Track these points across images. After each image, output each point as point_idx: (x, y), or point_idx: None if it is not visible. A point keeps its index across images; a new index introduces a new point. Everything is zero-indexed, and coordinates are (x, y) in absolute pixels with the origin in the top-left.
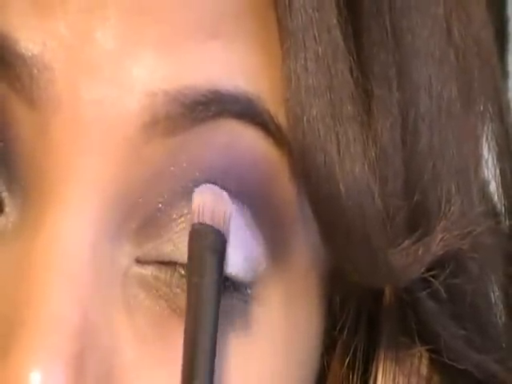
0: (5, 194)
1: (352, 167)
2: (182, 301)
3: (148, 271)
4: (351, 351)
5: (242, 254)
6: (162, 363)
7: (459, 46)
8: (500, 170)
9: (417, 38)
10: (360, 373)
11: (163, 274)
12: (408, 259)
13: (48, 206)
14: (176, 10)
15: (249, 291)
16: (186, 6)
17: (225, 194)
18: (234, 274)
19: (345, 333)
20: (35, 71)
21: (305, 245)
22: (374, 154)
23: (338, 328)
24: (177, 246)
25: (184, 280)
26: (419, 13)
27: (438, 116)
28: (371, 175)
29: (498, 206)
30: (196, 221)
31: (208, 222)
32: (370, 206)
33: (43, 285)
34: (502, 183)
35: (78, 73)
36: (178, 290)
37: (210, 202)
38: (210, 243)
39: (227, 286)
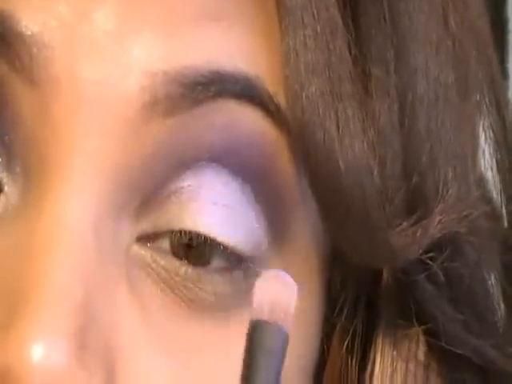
0: (4, 174)
1: (351, 144)
2: (183, 288)
3: (147, 253)
4: (350, 336)
5: (240, 228)
6: (163, 347)
7: (456, 34)
8: (496, 159)
9: (414, 22)
10: (359, 358)
11: (161, 259)
12: (406, 240)
13: (49, 185)
14: None
15: (251, 265)
16: None
17: (291, 282)
18: (236, 247)
19: (343, 317)
20: (35, 50)
21: (305, 226)
22: (372, 133)
23: (336, 312)
24: (176, 213)
25: (183, 267)
26: None
27: (435, 100)
28: (370, 154)
29: (494, 194)
30: (255, 317)
31: (267, 317)
32: (370, 183)
33: (46, 261)
34: (498, 172)
35: (78, 52)
36: (178, 278)
37: (271, 293)
38: (267, 344)
39: (221, 253)
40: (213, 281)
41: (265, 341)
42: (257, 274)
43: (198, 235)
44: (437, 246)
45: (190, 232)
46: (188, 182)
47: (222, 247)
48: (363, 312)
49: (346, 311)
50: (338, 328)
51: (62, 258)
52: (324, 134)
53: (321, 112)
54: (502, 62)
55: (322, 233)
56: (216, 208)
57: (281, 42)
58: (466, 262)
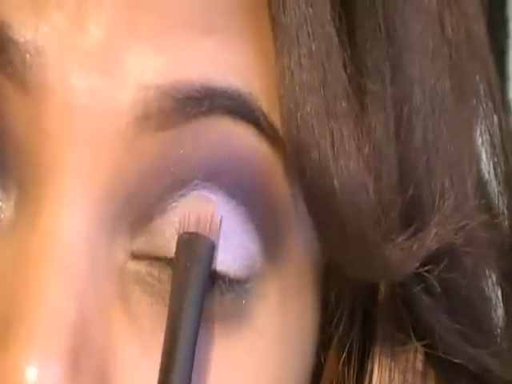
0: None
1: (346, 163)
2: None
3: (142, 267)
4: (347, 347)
5: (237, 252)
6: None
7: (452, 40)
8: (494, 164)
9: (410, 33)
10: (356, 369)
11: (156, 270)
12: (403, 254)
13: (43, 199)
14: (170, 4)
15: (245, 288)
16: (181, 1)
17: (212, 198)
18: (230, 271)
19: (340, 329)
20: (27, 56)
21: (299, 241)
22: (368, 149)
23: (333, 324)
24: (169, 240)
25: None
26: (412, 7)
27: (431, 110)
28: (366, 171)
29: (494, 200)
30: (181, 231)
31: (193, 229)
32: (365, 201)
33: (39, 279)
34: (496, 178)
35: (71, 60)
36: None
37: (195, 210)
38: (195, 252)
39: (224, 283)
40: (209, 300)
41: (193, 249)
42: (254, 295)
43: None
44: (433, 258)
45: None
46: (182, 203)
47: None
48: (360, 324)
49: (342, 323)
50: (334, 340)
51: (54, 275)
52: (319, 154)
53: (316, 131)
54: (502, 63)
55: (317, 248)
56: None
57: (275, 60)
58: (463, 272)
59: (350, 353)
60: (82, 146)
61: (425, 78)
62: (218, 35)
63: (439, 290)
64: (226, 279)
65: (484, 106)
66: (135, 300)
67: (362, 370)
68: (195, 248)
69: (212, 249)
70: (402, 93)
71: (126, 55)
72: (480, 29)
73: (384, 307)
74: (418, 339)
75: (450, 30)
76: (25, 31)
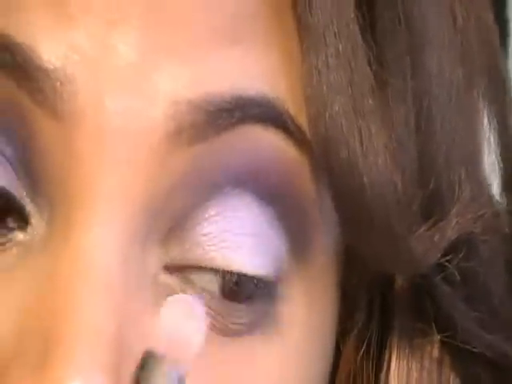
0: (30, 206)
1: (375, 160)
2: (211, 319)
3: (174, 281)
4: (366, 339)
5: (266, 255)
6: (195, 375)
7: (463, 30)
8: (500, 153)
9: (428, 25)
10: (374, 358)
11: (190, 289)
12: (426, 245)
13: (76, 217)
14: (196, 17)
15: (273, 291)
16: (206, 11)
17: (197, 306)
18: (264, 276)
19: (359, 320)
20: (58, 84)
21: (324, 241)
22: (394, 145)
23: (352, 315)
24: (205, 249)
25: (214, 300)
26: None
27: (448, 101)
28: (393, 166)
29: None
30: (149, 348)
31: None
32: (393, 197)
33: (77, 296)
34: (501, 167)
35: (101, 84)
36: (206, 310)
37: (174, 324)
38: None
39: (253, 285)
40: (242, 311)
41: (153, 379)
42: (281, 297)
43: (231, 274)
44: (452, 247)
45: (221, 271)
46: (213, 210)
47: (252, 280)
48: (378, 314)
49: (361, 315)
50: (353, 332)
51: (92, 291)
52: (348, 152)
53: (344, 130)
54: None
55: (340, 243)
56: (243, 239)
57: (302, 61)
58: (480, 260)
59: (368, 343)
60: (115, 165)
61: (442, 69)
62: (244, 42)
63: (458, 278)
64: (255, 280)
65: (490, 93)
66: None
67: (379, 359)
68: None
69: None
70: (421, 85)
71: (156, 72)
72: (488, 16)
73: (402, 298)
74: (438, 328)
75: (460, 19)
76: (55, 59)
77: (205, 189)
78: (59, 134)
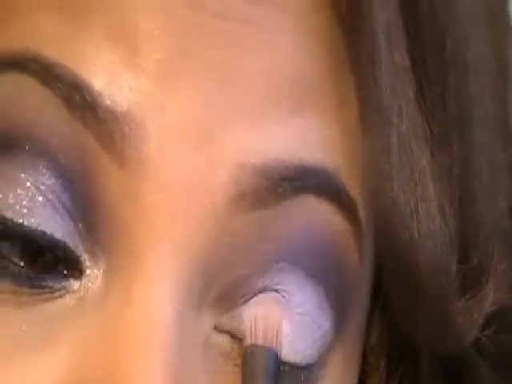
0: (85, 256)
1: (433, 244)
2: None
3: (225, 339)
4: None
5: (315, 336)
6: None
7: (498, 49)
8: None
9: (475, 103)
10: None
11: (236, 344)
12: (467, 320)
13: (137, 275)
14: (267, 82)
15: (316, 369)
16: (274, 76)
17: (278, 303)
18: (303, 362)
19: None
20: (127, 129)
21: (361, 309)
22: (451, 226)
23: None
24: (244, 324)
25: None
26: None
27: (489, 172)
28: (448, 248)
29: None
30: (249, 342)
31: (260, 342)
32: (448, 279)
33: (138, 353)
34: None
35: (170, 136)
36: None
37: (261, 319)
38: (262, 365)
39: (296, 370)
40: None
41: (261, 363)
42: (324, 365)
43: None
44: (486, 320)
45: None
46: (266, 283)
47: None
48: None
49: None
50: None
51: (151, 350)
52: (407, 234)
53: (404, 211)
54: None
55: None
56: (293, 319)
57: (363, 137)
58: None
59: None
60: (178, 222)
61: (486, 145)
62: (306, 110)
63: (491, 350)
64: (297, 362)
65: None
66: (219, 370)
67: None
68: (260, 359)
69: (276, 358)
70: (466, 157)
71: (223, 132)
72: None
73: (429, 366)
74: None
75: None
76: (126, 104)
77: (260, 259)
78: (123, 180)
